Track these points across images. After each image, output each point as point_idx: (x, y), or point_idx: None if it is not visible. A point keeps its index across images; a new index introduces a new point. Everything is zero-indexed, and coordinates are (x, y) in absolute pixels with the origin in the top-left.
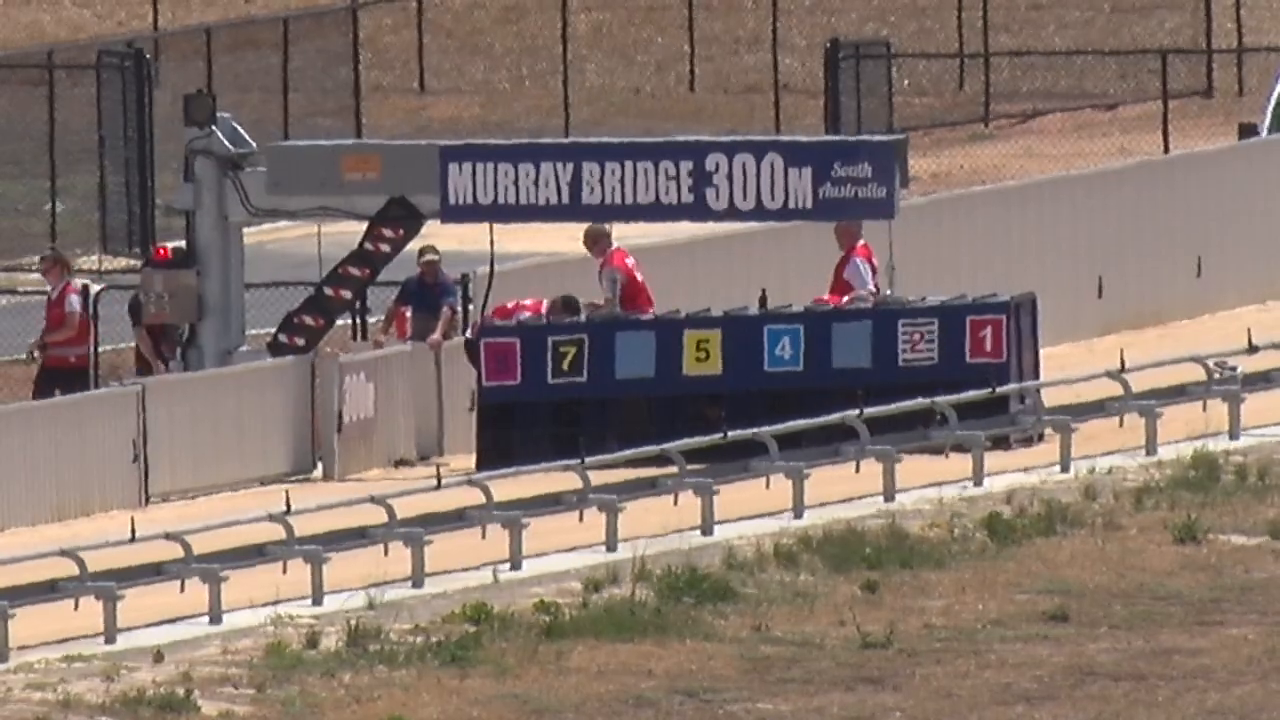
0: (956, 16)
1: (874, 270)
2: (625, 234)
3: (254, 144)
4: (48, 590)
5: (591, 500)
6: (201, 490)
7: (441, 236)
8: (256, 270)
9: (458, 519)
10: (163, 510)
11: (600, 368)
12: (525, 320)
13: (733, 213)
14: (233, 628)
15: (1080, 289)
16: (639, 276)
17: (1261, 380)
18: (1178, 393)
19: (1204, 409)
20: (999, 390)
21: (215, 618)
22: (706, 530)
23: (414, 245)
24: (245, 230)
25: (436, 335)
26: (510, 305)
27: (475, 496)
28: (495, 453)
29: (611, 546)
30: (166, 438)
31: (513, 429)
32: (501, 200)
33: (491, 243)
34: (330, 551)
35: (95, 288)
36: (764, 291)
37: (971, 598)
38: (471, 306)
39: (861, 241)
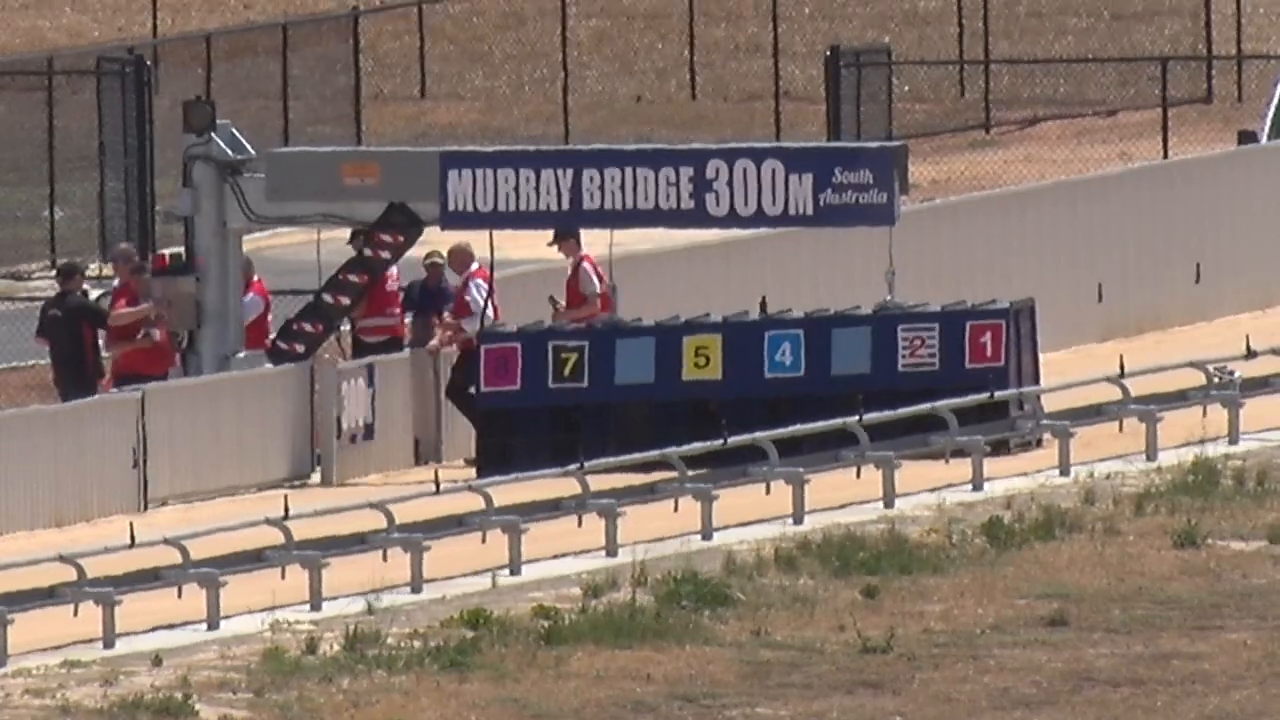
0: (957, 24)
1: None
2: (626, 240)
3: (253, 151)
4: (46, 595)
5: (591, 505)
6: (200, 495)
7: (443, 244)
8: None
9: (457, 524)
10: (162, 515)
11: (600, 373)
12: (526, 326)
13: (733, 219)
14: (231, 633)
15: (1080, 294)
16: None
17: (1260, 385)
18: (1177, 398)
19: (1203, 414)
20: (998, 395)
21: (214, 623)
22: (706, 535)
23: (417, 251)
24: (244, 237)
25: (435, 342)
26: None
27: (475, 502)
28: (495, 458)
29: (611, 552)
30: (166, 443)
31: (513, 434)
32: (502, 207)
33: (492, 250)
34: (329, 557)
35: (94, 294)
36: (764, 297)
37: (971, 603)
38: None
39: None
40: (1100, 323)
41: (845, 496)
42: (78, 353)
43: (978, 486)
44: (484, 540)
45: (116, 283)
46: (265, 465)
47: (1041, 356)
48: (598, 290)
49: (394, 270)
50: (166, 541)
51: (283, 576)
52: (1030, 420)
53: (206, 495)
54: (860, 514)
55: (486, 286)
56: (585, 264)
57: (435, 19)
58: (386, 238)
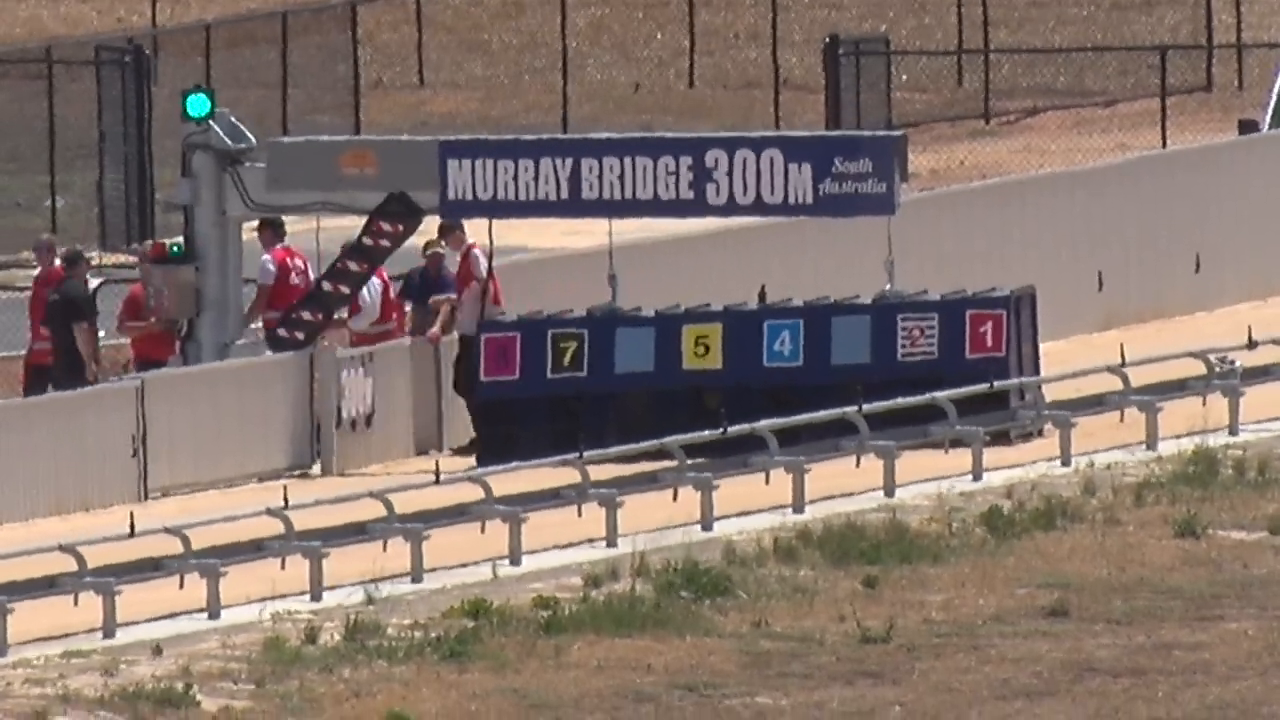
0: (956, 12)
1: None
2: (625, 229)
3: (253, 139)
4: (47, 585)
5: (591, 495)
6: (200, 485)
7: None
8: (255, 265)
9: (457, 514)
10: (162, 505)
11: (600, 362)
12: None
13: (732, 208)
14: (231, 623)
15: (1080, 284)
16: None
17: (1261, 375)
18: (1178, 388)
19: (1204, 404)
20: (998, 385)
21: (214, 613)
22: (706, 525)
23: (417, 239)
24: (244, 225)
25: (435, 329)
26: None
27: (475, 492)
28: (495, 448)
29: (611, 542)
30: (166, 432)
31: (512, 424)
32: (501, 196)
33: (491, 239)
34: (329, 547)
35: (94, 282)
36: (763, 286)
37: (971, 592)
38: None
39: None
40: (1101, 312)
41: (845, 486)
42: (69, 341)
43: (978, 476)
44: (484, 530)
45: (37, 272)
46: (265, 454)
47: (1042, 346)
48: (485, 274)
49: (300, 264)
50: (167, 531)
51: (283, 566)
52: (1030, 410)
53: (206, 485)
54: (860, 504)
55: (381, 284)
56: (475, 250)
57: (434, 8)
58: (385, 226)
